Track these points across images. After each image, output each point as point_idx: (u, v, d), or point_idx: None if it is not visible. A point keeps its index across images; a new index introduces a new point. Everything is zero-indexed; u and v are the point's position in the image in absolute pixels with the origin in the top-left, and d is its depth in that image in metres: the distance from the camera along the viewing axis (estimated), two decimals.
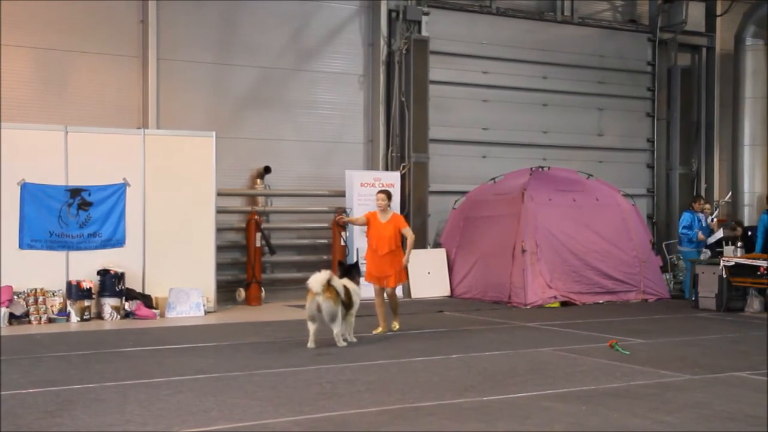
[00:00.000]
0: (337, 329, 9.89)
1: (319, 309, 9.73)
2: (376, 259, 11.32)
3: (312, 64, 17.08)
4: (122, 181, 13.34)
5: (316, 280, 9.71)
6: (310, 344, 9.90)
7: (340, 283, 9.99)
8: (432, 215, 17.61)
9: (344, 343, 9.98)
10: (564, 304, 14.93)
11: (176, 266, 13.45)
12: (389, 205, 11.47)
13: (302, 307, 14.71)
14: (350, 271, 10.53)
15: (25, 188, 12.72)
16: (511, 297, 15.05)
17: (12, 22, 14.48)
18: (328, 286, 9.74)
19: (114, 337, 11.18)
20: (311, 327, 9.90)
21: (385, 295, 11.52)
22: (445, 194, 17.77)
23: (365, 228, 11.68)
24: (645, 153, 20.82)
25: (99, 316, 12.85)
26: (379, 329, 11.42)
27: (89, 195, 13.10)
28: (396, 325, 11.60)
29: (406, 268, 11.61)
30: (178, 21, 15.80)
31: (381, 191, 11.55)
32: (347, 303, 10.06)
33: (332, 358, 9.30)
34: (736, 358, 9.51)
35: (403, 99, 17.31)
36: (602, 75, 20.02)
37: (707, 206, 16.10)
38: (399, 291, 16.09)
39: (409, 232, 11.35)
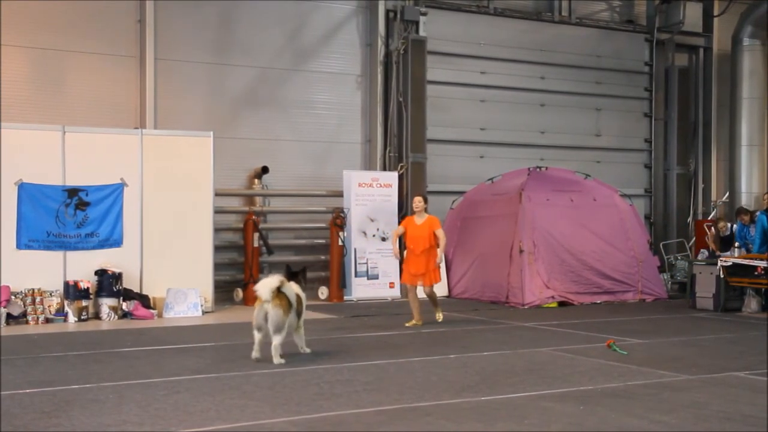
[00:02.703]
0: (277, 341, 8.70)
1: (266, 318, 8.67)
2: (413, 258, 12.16)
3: (310, 64, 17.08)
4: (120, 181, 13.32)
5: (266, 285, 8.65)
6: (255, 354, 8.84)
7: (293, 290, 8.94)
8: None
9: (281, 360, 8.72)
10: (561, 304, 14.94)
11: (174, 266, 13.44)
12: (425, 209, 12.37)
13: None
14: (297, 275, 9.45)
15: (23, 188, 12.70)
16: (508, 297, 15.05)
17: (9, 22, 14.47)
18: (279, 293, 8.68)
19: (111, 338, 11.17)
20: (257, 337, 8.83)
21: (420, 292, 12.34)
22: (442, 194, 17.78)
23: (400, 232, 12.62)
24: (642, 153, 20.85)
25: (96, 316, 12.84)
26: (413, 322, 12.14)
27: (87, 195, 13.08)
28: (440, 317, 12.40)
29: (439, 267, 12.34)
30: (175, 21, 15.80)
31: (418, 195, 12.63)
32: (299, 311, 9.02)
33: (330, 358, 9.30)
34: (734, 358, 9.51)
35: (400, 99, 17.32)
36: (600, 75, 20.05)
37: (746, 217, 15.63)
38: (397, 291, 16.20)
39: (441, 234, 12.18)
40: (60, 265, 12.85)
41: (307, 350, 9.33)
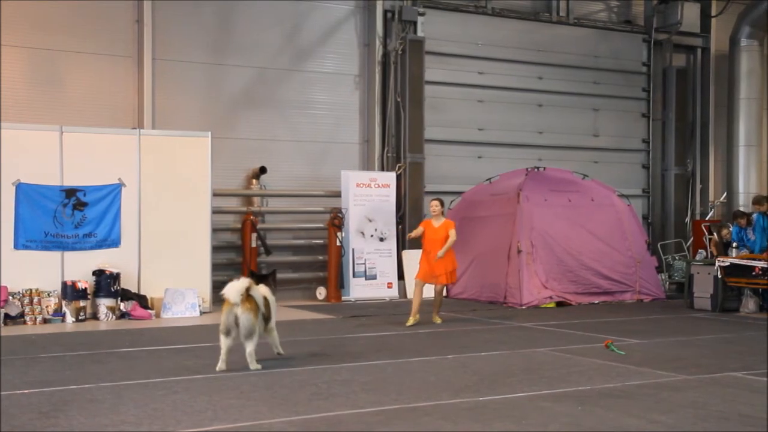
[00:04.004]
0: (250, 348, 8.40)
1: (236, 322, 8.28)
2: (430, 260, 12.40)
3: (307, 64, 17.07)
4: (117, 182, 13.31)
5: (234, 288, 8.27)
6: (221, 365, 8.42)
7: (260, 293, 8.59)
8: (428, 215, 17.56)
9: (258, 366, 8.44)
10: (559, 304, 14.94)
11: (172, 267, 13.44)
12: (443, 212, 12.74)
13: (298, 307, 14.79)
14: (266, 278, 9.11)
15: (20, 188, 12.69)
16: (506, 297, 15.06)
17: (7, 22, 14.45)
18: (247, 296, 8.33)
19: (109, 338, 11.17)
20: (224, 343, 8.41)
21: (425, 290, 12.56)
22: (440, 194, 17.72)
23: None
24: (640, 153, 20.85)
25: (94, 316, 12.83)
26: (411, 320, 12.28)
27: (84, 195, 13.07)
28: (438, 320, 12.48)
29: (454, 270, 12.63)
30: (173, 21, 15.79)
31: (435, 199, 12.83)
32: (266, 315, 8.70)
33: (328, 358, 9.30)
34: (732, 358, 9.52)
35: (398, 99, 17.31)
36: (597, 75, 20.05)
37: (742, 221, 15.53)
38: (395, 292, 16.20)
39: (453, 233, 12.42)
40: (58, 266, 12.84)
41: (282, 352, 9.08)
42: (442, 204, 12.75)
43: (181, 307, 13.21)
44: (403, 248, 16.72)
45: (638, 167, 20.81)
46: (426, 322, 12.35)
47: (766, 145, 20.36)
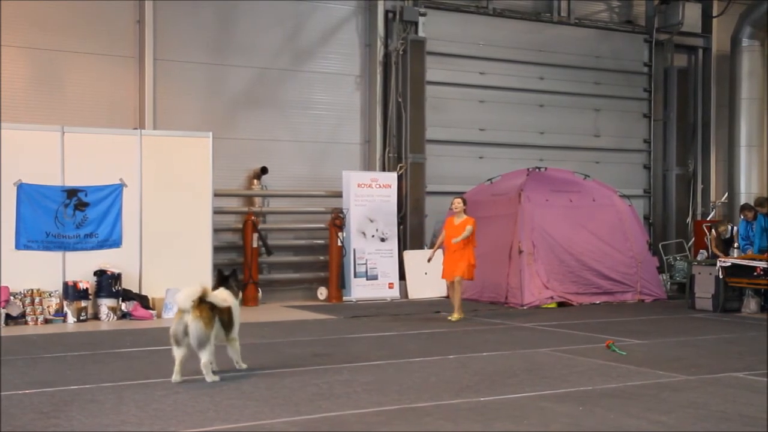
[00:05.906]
0: (205, 358, 7.80)
1: (186, 331, 7.75)
2: (447, 256, 13.13)
3: (309, 65, 17.07)
4: (119, 182, 13.32)
5: (186, 295, 7.75)
6: (176, 377, 7.87)
7: (218, 298, 8.02)
8: (429, 216, 17.61)
9: (215, 378, 7.89)
10: (561, 304, 14.94)
11: (173, 267, 13.43)
12: (465, 210, 13.18)
13: (299, 307, 14.80)
14: (227, 280, 8.48)
15: (22, 189, 12.70)
16: (508, 297, 15.06)
17: (8, 23, 14.45)
18: (200, 302, 7.77)
19: (111, 338, 11.17)
20: (177, 354, 7.86)
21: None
22: (442, 195, 17.74)
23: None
24: (641, 154, 20.84)
25: (96, 316, 12.84)
26: (455, 316, 12.85)
27: (86, 195, 13.08)
28: (455, 317, 12.80)
29: (472, 266, 13.09)
30: (174, 21, 15.79)
31: (458, 197, 13.41)
32: (227, 322, 8.10)
33: (329, 359, 9.30)
34: (733, 358, 9.52)
35: (399, 99, 17.31)
36: (599, 76, 20.03)
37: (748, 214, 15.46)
38: (396, 292, 16.19)
39: (468, 229, 12.93)
40: (59, 266, 12.85)
41: (243, 366, 8.45)
42: (464, 202, 13.19)
43: None
44: (405, 248, 16.72)
45: (639, 167, 20.80)
46: (429, 318, 12.34)
47: (767, 146, 20.34)
